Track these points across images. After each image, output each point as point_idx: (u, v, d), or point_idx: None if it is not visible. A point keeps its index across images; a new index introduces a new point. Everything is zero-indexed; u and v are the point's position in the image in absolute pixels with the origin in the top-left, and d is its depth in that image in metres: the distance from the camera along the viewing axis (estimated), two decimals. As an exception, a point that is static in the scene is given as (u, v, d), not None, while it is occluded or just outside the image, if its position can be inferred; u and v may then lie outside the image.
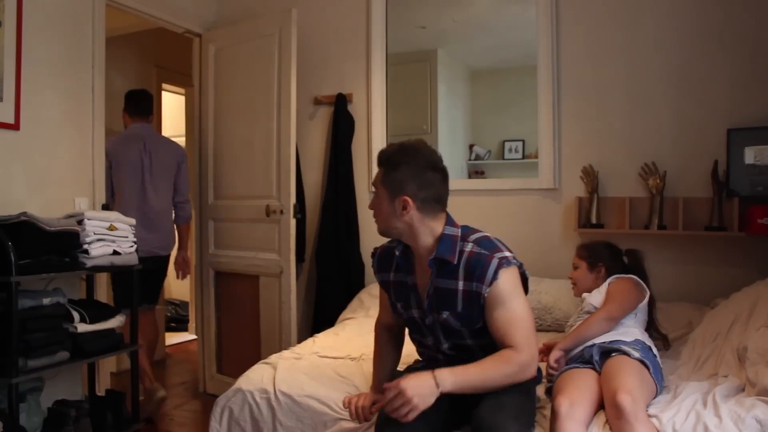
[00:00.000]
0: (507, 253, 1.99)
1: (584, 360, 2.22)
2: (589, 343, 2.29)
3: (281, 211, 3.56)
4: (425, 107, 3.96)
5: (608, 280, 2.56)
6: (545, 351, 2.55)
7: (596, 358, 2.18)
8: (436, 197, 1.96)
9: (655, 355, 2.22)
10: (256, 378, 2.42)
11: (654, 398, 2.06)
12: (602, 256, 2.68)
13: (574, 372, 2.15)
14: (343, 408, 2.09)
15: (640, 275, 2.60)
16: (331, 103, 3.90)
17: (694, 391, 2.04)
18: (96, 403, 2.89)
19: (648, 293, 2.52)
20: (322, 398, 2.24)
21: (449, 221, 2.00)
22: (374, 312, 3.40)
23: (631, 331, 2.34)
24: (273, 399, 2.29)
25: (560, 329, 3.02)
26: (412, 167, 1.95)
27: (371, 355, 2.65)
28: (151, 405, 3.47)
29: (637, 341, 2.24)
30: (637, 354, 2.14)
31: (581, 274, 2.70)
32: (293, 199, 3.53)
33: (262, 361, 2.62)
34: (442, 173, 1.99)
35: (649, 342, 2.31)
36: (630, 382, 1.97)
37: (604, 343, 2.25)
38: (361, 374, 2.42)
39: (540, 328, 3.07)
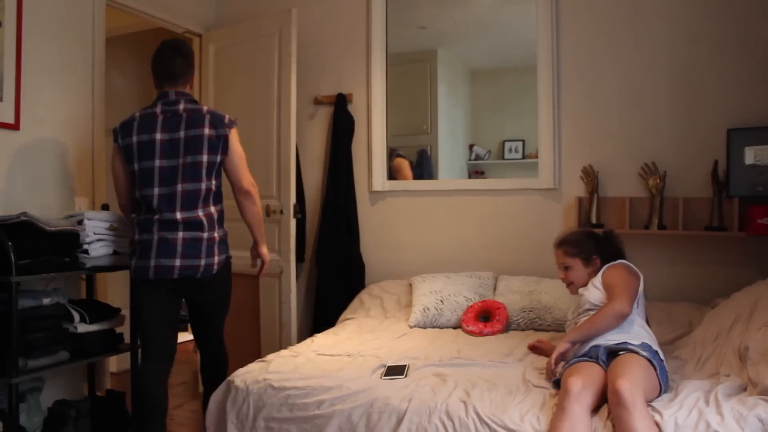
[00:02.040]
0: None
1: (590, 357, 2.22)
2: (594, 342, 2.28)
3: (281, 211, 3.56)
4: (425, 107, 3.95)
5: (600, 271, 2.52)
6: (533, 347, 2.54)
7: (603, 357, 2.18)
8: (159, 70, 2.60)
9: (662, 359, 2.21)
10: (248, 373, 2.43)
11: (658, 397, 2.07)
12: (592, 247, 2.60)
13: (584, 363, 2.16)
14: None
15: (622, 255, 2.58)
16: (331, 103, 3.90)
17: (696, 390, 2.05)
18: (96, 403, 2.89)
19: (641, 275, 2.48)
20: (313, 387, 2.25)
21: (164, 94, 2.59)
22: (375, 312, 3.44)
23: (637, 331, 2.32)
24: (264, 392, 2.30)
25: (560, 329, 3.02)
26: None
27: (368, 353, 2.65)
28: None
29: (644, 345, 2.22)
30: (645, 353, 2.14)
31: (577, 272, 2.60)
32: (293, 199, 3.53)
33: (259, 359, 2.63)
34: (169, 49, 2.62)
35: (656, 346, 2.28)
36: (632, 372, 1.98)
37: (610, 344, 2.24)
38: (357, 368, 2.43)
39: (540, 328, 3.09)
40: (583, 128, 3.41)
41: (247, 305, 3.77)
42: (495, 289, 3.37)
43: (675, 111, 3.22)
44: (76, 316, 2.67)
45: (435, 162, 3.92)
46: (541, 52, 3.45)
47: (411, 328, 3.20)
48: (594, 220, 3.26)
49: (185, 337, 5.64)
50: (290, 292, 3.53)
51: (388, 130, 3.86)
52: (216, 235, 2.55)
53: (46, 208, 2.88)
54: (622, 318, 2.29)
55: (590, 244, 2.61)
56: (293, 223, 3.53)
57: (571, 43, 3.42)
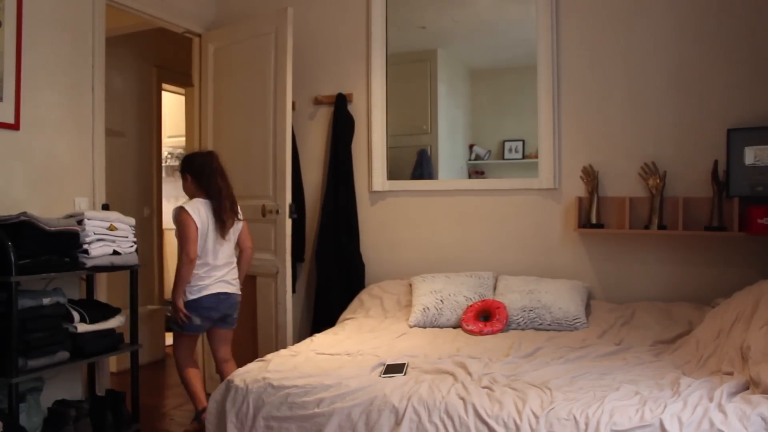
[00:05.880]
0: None
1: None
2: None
3: (277, 211, 3.55)
4: (425, 107, 3.95)
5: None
6: None
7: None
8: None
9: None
10: (247, 373, 2.43)
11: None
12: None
13: None
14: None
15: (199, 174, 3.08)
16: (331, 103, 3.90)
17: (700, 388, 2.05)
18: (96, 403, 2.89)
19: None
20: (313, 386, 2.25)
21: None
22: (375, 312, 3.44)
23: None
24: (263, 391, 2.30)
25: (560, 328, 3.03)
26: None
27: (368, 352, 2.66)
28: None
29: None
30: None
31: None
32: (289, 199, 3.52)
33: (258, 359, 2.63)
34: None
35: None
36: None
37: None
38: (356, 367, 2.43)
39: (540, 327, 3.09)
40: (583, 128, 3.41)
41: (243, 306, 3.75)
42: (495, 288, 3.37)
43: (675, 111, 3.22)
44: (76, 316, 2.67)
45: (435, 162, 3.92)
46: (541, 52, 3.45)
47: (411, 327, 3.20)
48: (594, 220, 3.26)
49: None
50: (286, 292, 3.52)
51: (388, 130, 3.86)
52: None
53: (46, 208, 2.88)
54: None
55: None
56: (289, 223, 3.53)
57: (571, 42, 3.42)
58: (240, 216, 3.14)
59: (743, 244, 3.06)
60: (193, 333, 3.08)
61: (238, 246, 3.20)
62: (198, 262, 2.97)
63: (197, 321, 3.00)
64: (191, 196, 3.08)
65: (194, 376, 3.10)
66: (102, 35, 3.28)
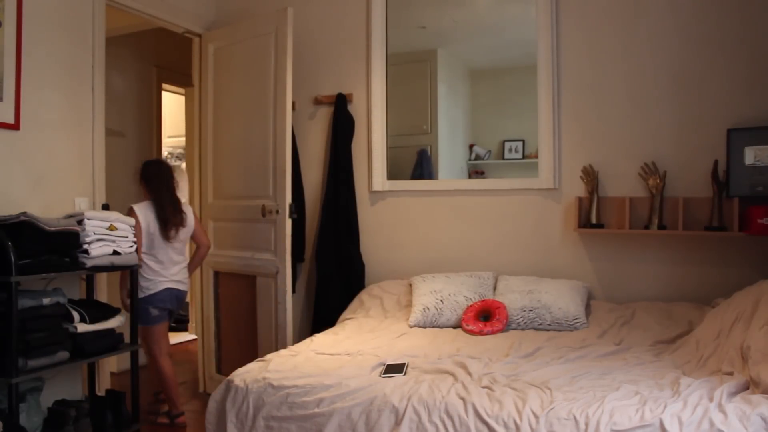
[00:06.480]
0: None
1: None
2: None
3: (277, 211, 3.55)
4: (425, 107, 3.95)
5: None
6: None
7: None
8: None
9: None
10: (247, 372, 2.43)
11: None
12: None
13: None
14: None
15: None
16: (331, 103, 3.91)
17: (700, 388, 2.05)
18: (96, 403, 2.90)
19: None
20: (313, 386, 2.25)
21: None
22: (375, 312, 3.44)
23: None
24: (263, 391, 2.30)
25: (561, 328, 3.03)
26: None
27: (368, 352, 2.66)
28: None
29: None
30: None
31: None
32: (289, 199, 3.52)
33: (258, 359, 2.63)
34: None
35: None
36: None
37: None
38: (356, 366, 2.43)
39: (540, 327, 3.09)
40: (583, 128, 3.41)
41: (244, 305, 3.77)
42: (495, 288, 3.37)
43: (675, 111, 3.22)
44: (76, 316, 2.67)
45: (435, 162, 3.92)
46: (541, 52, 3.45)
47: (411, 327, 3.20)
48: (594, 220, 3.27)
49: (184, 337, 5.66)
50: (286, 292, 3.52)
51: (388, 130, 3.86)
52: None
53: (46, 208, 2.88)
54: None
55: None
56: (289, 223, 3.52)
57: (571, 43, 3.42)
58: (188, 219, 3.41)
59: (743, 244, 3.06)
60: (151, 324, 3.34)
61: (194, 242, 3.56)
62: (151, 261, 3.28)
63: (154, 312, 3.32)
64: (145, 199, 3.38)
65: (169, 373, 3.39)
66: (102, 35, 3.28)
